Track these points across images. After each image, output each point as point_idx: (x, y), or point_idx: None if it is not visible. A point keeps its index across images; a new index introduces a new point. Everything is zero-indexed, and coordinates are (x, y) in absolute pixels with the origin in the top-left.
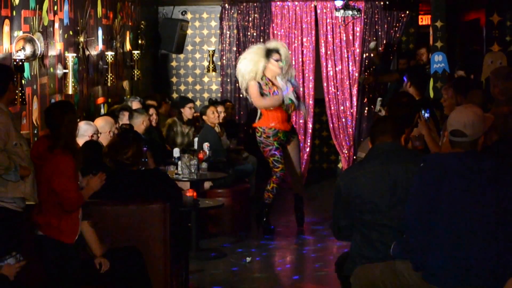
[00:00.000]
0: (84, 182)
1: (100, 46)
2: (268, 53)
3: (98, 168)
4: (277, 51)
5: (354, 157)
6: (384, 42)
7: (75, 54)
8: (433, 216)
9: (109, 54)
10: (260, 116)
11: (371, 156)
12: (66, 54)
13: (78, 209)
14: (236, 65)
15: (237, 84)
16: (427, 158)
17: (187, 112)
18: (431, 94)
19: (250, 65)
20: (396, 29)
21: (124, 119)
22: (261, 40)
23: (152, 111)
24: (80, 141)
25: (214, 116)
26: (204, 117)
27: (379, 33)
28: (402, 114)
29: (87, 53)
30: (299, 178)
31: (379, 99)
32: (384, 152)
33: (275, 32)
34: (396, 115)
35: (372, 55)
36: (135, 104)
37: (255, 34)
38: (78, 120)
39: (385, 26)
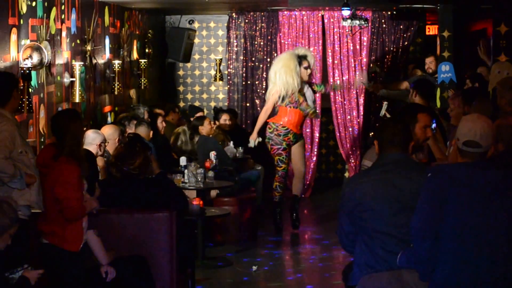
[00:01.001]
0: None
1: (107, 54)
2: (299, 60)
3: (91, 178)
4: (305, 57)
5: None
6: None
7: (82, 63)
8: (440, 227)
9: (116, 62)
10: (277, 112)
11: (378, 165)
12: (73, 62)
13: (80, 218)
14: (244, 74)
15: (244, 93)
16: (434, 168)
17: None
18: (438, 104)
19: (287, 80)
20: (403, 38)
21: (132, 127)
22: (268, 49)
23: (160, 119)
24: (89, 150)
25: (210, 127)
26: (200, 127)
27: (386, 42)
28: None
29: (94, 61)
30: (301, 176)
31: (385, 103)
32: (391, 162)
33: (282, 41)
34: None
35: (371, 65)
36: (145, 113)
37: (262, 43)
38: (85, 128)
39: (392, 36)
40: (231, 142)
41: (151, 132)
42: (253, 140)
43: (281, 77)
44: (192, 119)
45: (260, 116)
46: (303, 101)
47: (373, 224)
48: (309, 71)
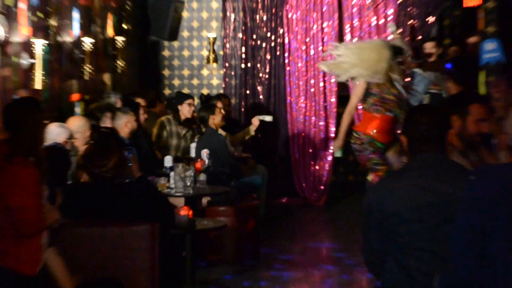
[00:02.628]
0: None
1: (76, 31)
2: (395, 53)
3: (61, 182)
4: (400, 51)
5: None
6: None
7: (44, 41)
8: (488, 242)
9: (87, 41)
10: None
11: (410, 168)
12: (34, 40)
13: (39, 233)
14: (243, 55)
15: (242, 78)
16: (479, 169)
17: (185, 110)
18: (482, 90)
19: (372, 58)
20: (437, 11)
21: (107, 121)
22: (272, 24)
23: (141, 110)
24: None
25: (221, 117)
26: (211, 116)
27: (416, 16)
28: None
29: (59, 39)
30: None
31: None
32: (426, 164)
33: (290, 15)
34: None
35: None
36: (118, 102)
37: (265, 17)
38: (47, 121)
39: (423, 8)
40: (228, 138)
41: (129, 125)
42: (338, 148)
43: (370, 64)
44: (180, 106)
45: (344, 119)
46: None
47: (408, 239)
48: (402, 67)
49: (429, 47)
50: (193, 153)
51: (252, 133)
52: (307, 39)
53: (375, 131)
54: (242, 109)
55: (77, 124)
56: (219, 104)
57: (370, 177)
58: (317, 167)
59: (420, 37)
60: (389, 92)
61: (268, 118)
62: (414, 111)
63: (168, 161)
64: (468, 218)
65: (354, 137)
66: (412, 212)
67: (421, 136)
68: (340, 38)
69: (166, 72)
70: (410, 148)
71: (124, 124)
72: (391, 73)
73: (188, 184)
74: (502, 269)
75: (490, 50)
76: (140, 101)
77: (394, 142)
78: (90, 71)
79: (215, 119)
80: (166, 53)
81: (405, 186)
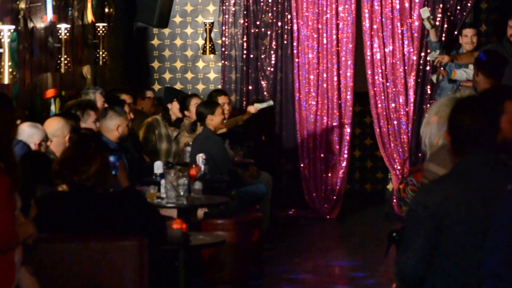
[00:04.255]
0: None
1: (50, 16)
2: None
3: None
4: None
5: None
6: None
7: (13, 27)
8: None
9: (63, 27)
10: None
11: (458, 172)
12: (0, 26)
13: (11, 250)
14: (244, 44)
15: (244, 72)
16: None
17: (176, 109)
18: None
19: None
20: None
21: (88, 121)
22: (279, 8)
23: (127, 109)
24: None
25: (221, 119)
26: (210, 116)
27: None
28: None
29: (30, 25)
30: None
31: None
32: (480, 168)
33: None
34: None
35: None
36: (99, 99)
37: (270, 0)
38: (19, 121)
39: None
40: (227, 141)
41: (120, 128)
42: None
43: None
44: (170, 105)
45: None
46: None
47: (462, 251)
48: None
49: (470, 34)
50: (187, 158)
51: (240, 122)
52: (319, 26)
53: None
54: (244, 108)
55: (55, 126)
56: (223, 99)
57: (391, 186)
58: (329, 175)
59: (454, 23)
60: None
61: (267, 104)
62: (462, 106)
63: (158, 167)
64: (508, 235)
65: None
66: (474, 222)
67: (472, 137)
68: (358, 24)
69: (155, 64)
70: (456, 150)
71: (115, 127)
72: None
73: (182, 193)
74: None
75: None
76: (126, 98)
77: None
78: (67, 62)
79: (214, 120)
80: (155, 42)
81: (466, 192)
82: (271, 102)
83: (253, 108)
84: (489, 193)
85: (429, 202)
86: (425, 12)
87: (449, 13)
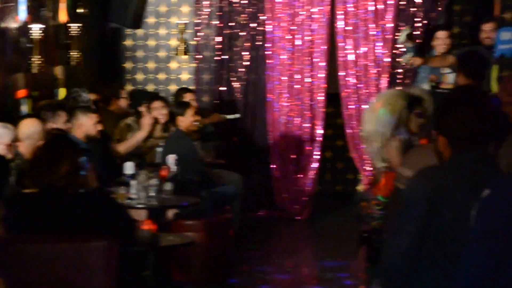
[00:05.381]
0: None
1: (22, 15)
2: (411, 103)
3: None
4: (420, 101)
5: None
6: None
7: None
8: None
9: (35, 27)
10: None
11: (450, 168)
12: None
13: None
14: (218, 46)
15: (217, 73)
16: (499, 182)
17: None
18: (494, 88)
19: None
20: None
21: (60, 121)
22: (253, 9)
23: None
24: None
25: (192, 120)
26: (180, 118)
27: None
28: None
29: (2, 25)
30: None
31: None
32: (469, 163)
33: None
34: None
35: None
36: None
37: (244, 1)
38: None
39: None
40: (198, 142)
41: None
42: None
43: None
44: (142, 109)
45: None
46: None
47: (458, 245)
48: (421, 121)
49: (442, 37)
50: (158, 158)
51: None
52: (293, 27)
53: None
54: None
55: (32, 128)
56: (189, 97)
57: (361, 187)
58: (300, 176)
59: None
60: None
61: (234, 116)
62: (455, 103)
63: (129, 168)
64: (484, 244)
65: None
66: (464, 215)
67: (467, 137)
68: (332, 25)
69: (128, 65)
70: (451, 149)
71: (83, 126)
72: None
73: (152, 194)
74: None
75: (506, 40)
76: (96, 97)
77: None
78: (39, 63)
79: (184, 122)
80: (128, 42)
81: (463, 179)
82: (238, 115)
83: (217, 117)
84: (476, 192)
85: (426, 185)
86: (403, 35)
87: (422, 16)
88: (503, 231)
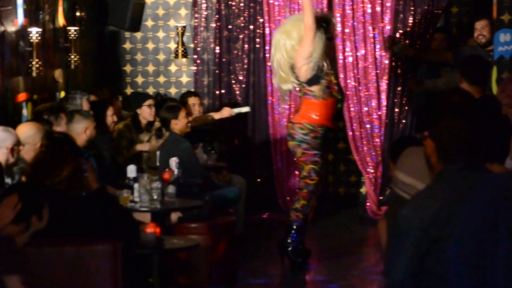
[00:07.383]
0: None
1: (21, 19)
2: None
3: None
4: (328, 23)
5: (389, 185)
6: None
7: None
8: (488, 273)
9: (34, 31)
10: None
11: (446, 181)
12: None
13: None
14: (217, 48)
15: (217, 75)
16: (482, 180)
17: (146, 113)
18: (495, 89)
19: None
20: None
21: (62, 123)
22: (251, 12)
23: (110, 111)
24: None
25: (185, 122)
26: (173, 121)
27: (419, 2)
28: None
29: (1, 29)
30: None
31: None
32: (461, 178)
33: (271, 1)
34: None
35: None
36: (85, 105)
37: (242, 4)
38: None
39: None
40: (200, 144)
41: (88, 131)
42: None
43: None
44: (139, 110)
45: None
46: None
47: (454, 265)
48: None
49: (480, 26)
50: (157, 162)
51: (210, 121)
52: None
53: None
54: (215, 111)
55: (27, 133)
56: (193, 100)
57: (364, 190)
58: None
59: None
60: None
61: (244, 109)
62: (448, 112)
63: (131, 171)
64: (464, 243)
65: (307, 129)
66: (474, 238)
67: (459, 146)
68: None
69: (127, 68)
70: (442, 158)
71: (83, 130)
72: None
73: (155, 197)
74: None
75: (505, 42)
76: (91, 97)
77: None
78: (39, 66)
79: (178, 125)
80: (127, 45)
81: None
82: (247, 108)
83: (227, 112)
84: (494, 207)
85: (423, 214)
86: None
87: (420, 17)
88: (481, 227)
